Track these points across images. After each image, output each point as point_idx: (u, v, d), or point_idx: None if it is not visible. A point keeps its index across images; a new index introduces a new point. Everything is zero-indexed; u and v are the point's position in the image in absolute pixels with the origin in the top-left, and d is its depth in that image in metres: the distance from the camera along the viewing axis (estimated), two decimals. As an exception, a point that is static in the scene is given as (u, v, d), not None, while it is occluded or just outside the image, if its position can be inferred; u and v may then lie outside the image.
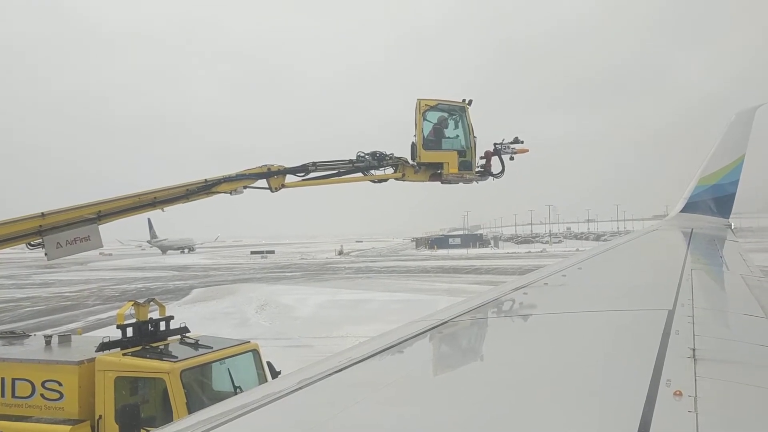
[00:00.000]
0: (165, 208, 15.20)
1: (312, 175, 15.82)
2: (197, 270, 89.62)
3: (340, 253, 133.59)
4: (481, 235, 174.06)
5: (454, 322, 4.60)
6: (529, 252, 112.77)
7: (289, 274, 76.45)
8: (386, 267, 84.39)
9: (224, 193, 15.26)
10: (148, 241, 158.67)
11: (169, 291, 54.97)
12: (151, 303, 12.25)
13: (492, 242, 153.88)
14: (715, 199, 15.45)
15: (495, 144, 16.05)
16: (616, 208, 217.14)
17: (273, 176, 15.43)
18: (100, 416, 10.30)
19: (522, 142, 16.09)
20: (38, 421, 10.42)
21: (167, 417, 9.89)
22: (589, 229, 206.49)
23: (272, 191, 15.56)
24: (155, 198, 14.89)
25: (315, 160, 15.74)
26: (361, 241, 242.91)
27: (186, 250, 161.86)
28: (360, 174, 16.07)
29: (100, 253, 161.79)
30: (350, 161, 15.88)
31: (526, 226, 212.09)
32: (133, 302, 11.85)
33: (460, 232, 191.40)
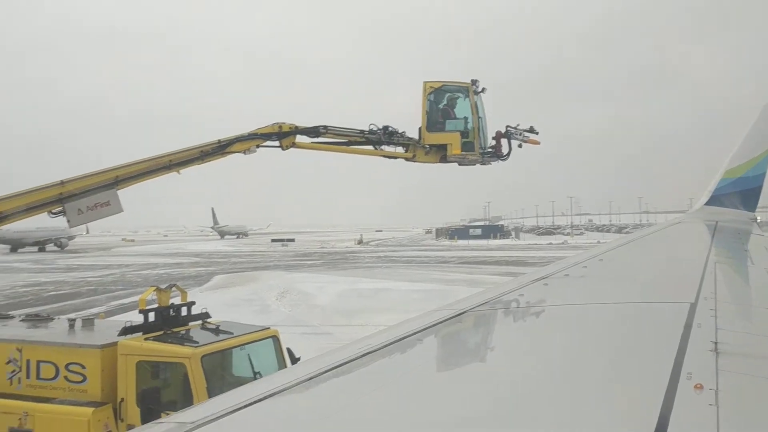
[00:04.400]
0: (180, 171, 15.40)
1: (323, 139, 15.91)
2: (219, 257, 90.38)
3: (360, 242, 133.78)
4: (502, 226, 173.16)
5: (474, 313, 4.59)
6: (551, 243, 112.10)
7: (309, 262, 76.81)
8: (406, 256, 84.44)
9: (238, 152, 15.47)
10: (211, 227, 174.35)
11: (190, 277, 55.53)
12: (173, 289, 12.37)
13: (513, 233, 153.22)
14: (741, 192, 15.23)
15: (507, 127, 15.92)
16: (639, 200, 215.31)
17: (285, 136, 15.58)
18: (122, 399, 10.45)
19: (537, 133, 15.90)
20: (62, 402, 10.59)
21: (188, 401, 10.01)
22: (611, 221, 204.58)
23: (283, 149, 15.79)
24: (170, 161, 15.18)
25: (326, 124, 15.81)
26: (381, 231, 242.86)
27: (241, 236, 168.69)
28: (371, 147, 16.10)
29: (123, 239, 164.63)
30: (361, 131, 15.91)
31: (548, 218, 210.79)
32: (155, 288, 11.99)
33: (481, 223, 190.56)
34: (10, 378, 11.23)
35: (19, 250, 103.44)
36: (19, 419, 10.53)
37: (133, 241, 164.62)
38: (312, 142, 15.97)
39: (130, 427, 10.14)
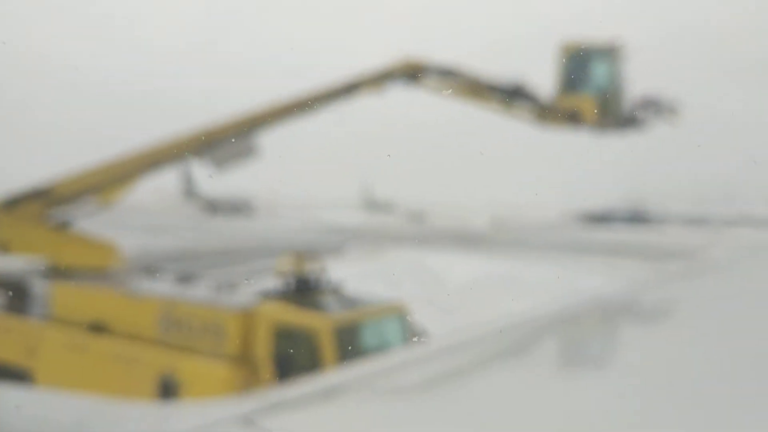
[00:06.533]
0: (311, 112, 15.50)
1: (449, 82, 15.39)
2: (352, 228, 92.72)
3: (493, 223, 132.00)
4: (645, 212, 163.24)
5: (612, 303, 4.37)
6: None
7: (441, 239, 76.94)
8: (541, 241, 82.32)
9: (369, 92, 15.19)
10: (364, 199, 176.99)
11: (325, 247, 57.33)
12: (309, 257, 12.82)
13: (656, 223, 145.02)
14: None
15: (649, 95, 14.87)
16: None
17: (412, 72, 15.10)
18: (258, 360, 11.04)
19: (677, 112, 14.74)
20: (204, 356, 11.37)
21: (319, 367, 10.39)
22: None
23: (407, 85, 15.40)
24: (301, 103, 15.37)
25: (455, 66, 15.29)
26: (518, 210, 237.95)
27: (388, 208, 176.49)
28: (496, 103, 15.36)
29: (266, 205, 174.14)
30: (489, 84, 15.26)
31: (698, 206, 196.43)
32: (292, 254, 12.51)
33: (623, 210, 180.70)
34: (161, 328, 12.25)
35: (217, 212, 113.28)
36: (167, 366, 11.46)
37: (275, 209, 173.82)
38: (437, 83, 15.59)
39: (264, 386, 10.70)
